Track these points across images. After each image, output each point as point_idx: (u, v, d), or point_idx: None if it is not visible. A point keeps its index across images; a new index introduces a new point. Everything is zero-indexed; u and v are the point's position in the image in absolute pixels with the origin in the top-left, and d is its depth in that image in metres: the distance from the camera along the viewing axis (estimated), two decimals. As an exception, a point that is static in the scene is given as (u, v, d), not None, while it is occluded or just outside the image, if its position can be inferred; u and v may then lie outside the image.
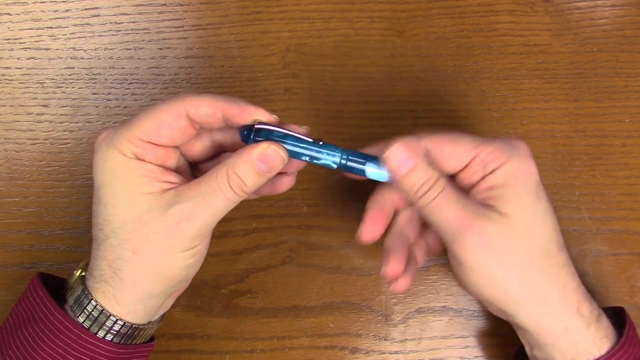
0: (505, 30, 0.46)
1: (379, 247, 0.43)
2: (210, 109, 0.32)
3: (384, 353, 0.42)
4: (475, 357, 0.42)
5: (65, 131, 0.45)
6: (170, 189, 0.32)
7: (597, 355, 0.33)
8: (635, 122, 0.44)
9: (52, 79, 0.46)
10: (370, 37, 0.46)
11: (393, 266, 0.36)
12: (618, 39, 0.45)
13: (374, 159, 0.34)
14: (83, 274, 0.35)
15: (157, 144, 0.33)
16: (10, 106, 0.45)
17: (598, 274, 0.43)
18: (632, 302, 0.42)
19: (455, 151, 0.33)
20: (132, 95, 0.46)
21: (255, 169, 0.32)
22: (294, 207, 0.44)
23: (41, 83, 0.46)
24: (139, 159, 0.32)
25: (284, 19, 0.46)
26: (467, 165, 0.34)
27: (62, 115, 0.45)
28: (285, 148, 0.32)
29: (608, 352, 0.33)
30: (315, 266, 0.43)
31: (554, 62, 0.45)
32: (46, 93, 0.46)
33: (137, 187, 0.32)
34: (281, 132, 0.33)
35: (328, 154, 0.33)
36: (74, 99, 0.46)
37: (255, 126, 0.32)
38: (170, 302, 0.37)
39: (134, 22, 0.46)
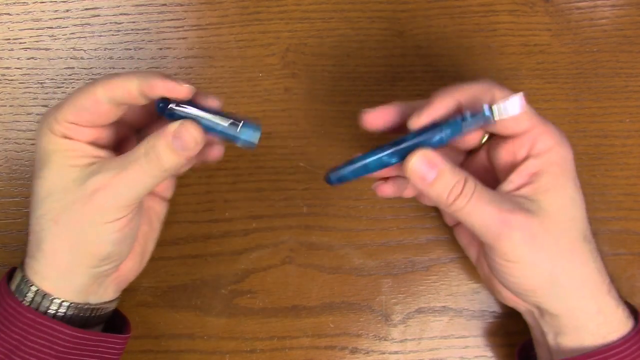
0: (505, 30, 0.46)
1: (379, 247, 0.43)
2: (125, 90, 0.32)
3: (384, 353, 0.42)
4: (475, 357, 0.42)
5: (65, 131, 0.45)
6: (101, 160, 0.33)
7: (625, 332, 0.34)
8: (635, 122, 0.44)
9: (52, 79, 0.46)
10: (370, 37, 0.46)
11: (375, 114, 0.35)
12: (618, 39, 0.45)
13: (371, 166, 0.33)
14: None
15: (81, 125, 0.33)
16: (10, 106, 0.45)
17: (598, 274, 0.43)
18: (632, 302, 0.42)
19: (520, 115, 0.32)
20: (132, 95, 0.46)
21: (170, 147, 0.32)
22: (294, 207, 0.44)
23: (41, 83, 0.46)
24: (68, 138, 0.33)
25: (284, 19, 0.46)
26: (519, 135, 0.34)
27: (62, 115, 0.45)
28: (200, 126, 0.32)
29: (635, 325, 0.34)
30: (315, 266, 0.43)
31: (554, 62, 0.45)
32: (46, 93, 0.46)
33: (66, 160, 0.33)
34: (189, 113, 0.32)
35: (245, 137, 0.33)
36: (74, 99, 0.46)
37: (161, 104, 0.32)
38: (109, 289, 0.36)
39: (134, 22, 0.46)
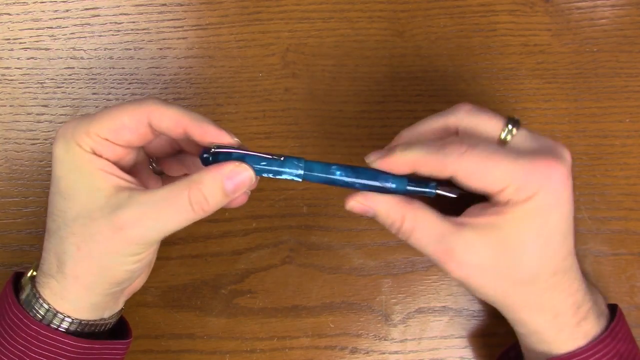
0: (505, 30, 0.46)
1: (379, 247, 0.43)
2: (173, 123, 0.32)
3: (384, 353, 0.42)
4: (475, 357, 0.42)
5: (65, 131, 0.45)
6: (127, 188, 0.32)
7: (583, 343, 0.33)
8: (635, 122, 0.44)
9: (52, 79, 0.46)
10: (370, 37, 0.46)
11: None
12: (618, 39, 0.45)
13: (338, 167, 0.33)
14: (34, 274, 0.35)
15: (114, 143, 0.32)
16: (10, 106, 0.45)
17: (598, 274, 0.43)
18: (632, 302, 0.42)
19: (489, 175, 0.31)
20: (132, 95, 0.46)
21: (222, 188, 0.31)
22: (294, 207, 0.44)
23: (41, 83, 0.46)
24: (95, 154, 0.32)
25: (284, 19, 0.46)
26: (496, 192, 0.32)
27: (62, 115, 0.45)
28: (253, 168, 0.32)
29: (587, 344, 0.33)
30: (315, 266, 0.43)
31: (554, 62, 0.45)
32: (46, 93, 0.46)
33: (93, 180, 0.32)
34: (240, 153, 0.32)
35: (289, 170, 0.33)
36: (74, 99, 0.46)
37: (213, 150, 0.32)
38: (120, 302, 0.37)
39: (134, 22, 0.46)
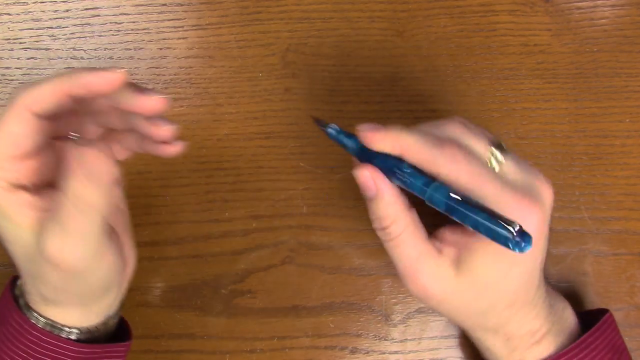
0: (505, 30, 0.46)
1: (379, 248, 0.43)
2: (54, 98, 0.28)
3: (384, 353, 0.42)
4: (475, 357, 0.42)
5: (65, 131, 0.45)
6: (47, 217, 0.29)
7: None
8: (635, 122, 0.44)
9: (52, 79, 0.46)
10: (370, 37, 0.46)
11: None
12: (618, 39, 0.46)
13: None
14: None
15: (25, 154, 0.29)
16: (10, 106, 0.45)
17: (598, 274, 0.43)
18: (632, 302, 0.42)
19: (474, 191, 0.30)
20: (132, 95, 0.46)
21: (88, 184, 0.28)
22: (294, 207, 0.44)
23: (41, 83, 0.46)
24: (14, 188, 0.29)
25: (284, 19, 0.46)
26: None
27: (62, 115, 0.45)
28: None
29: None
30: (315, 266, 0.43)
31: (554, 62, 0.45)
32: (46, 93, 0.46)
33: (17, 222, 0.30)
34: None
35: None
36: (74, 99, 0.45)
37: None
38: (119, 296, 0.36)
39: (134, 22, 0.46)
